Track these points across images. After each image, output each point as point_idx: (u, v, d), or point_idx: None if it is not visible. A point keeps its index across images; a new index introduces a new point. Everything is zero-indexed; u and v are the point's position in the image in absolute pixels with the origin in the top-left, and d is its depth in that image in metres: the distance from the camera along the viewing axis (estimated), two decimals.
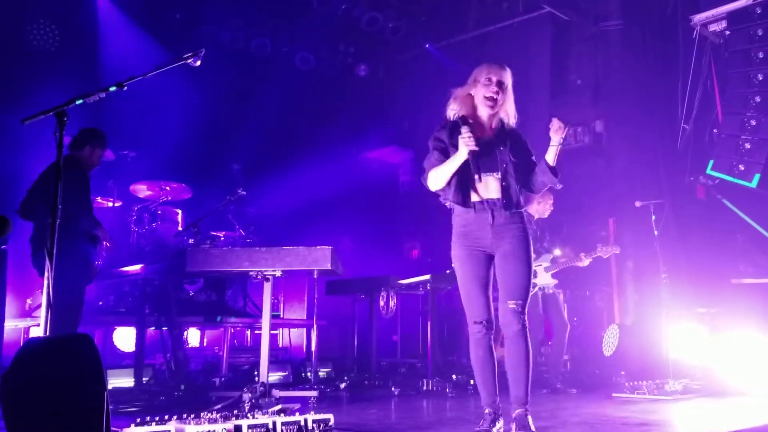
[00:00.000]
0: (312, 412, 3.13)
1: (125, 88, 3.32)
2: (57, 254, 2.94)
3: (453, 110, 3.54)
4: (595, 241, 7.50)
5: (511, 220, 3.44)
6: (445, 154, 3.43)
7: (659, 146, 7.54)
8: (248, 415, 3.05)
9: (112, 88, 3.25)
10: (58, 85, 6.17)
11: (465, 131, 3.30)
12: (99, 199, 7.09)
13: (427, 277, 6.38)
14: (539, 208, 6.29)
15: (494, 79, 3.45)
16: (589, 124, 8.40)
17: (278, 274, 4.85)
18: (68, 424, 2.15)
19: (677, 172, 7.37)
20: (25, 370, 2.26)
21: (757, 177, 6.33)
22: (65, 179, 3.15)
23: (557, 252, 6.32)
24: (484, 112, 3.50)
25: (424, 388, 6.01)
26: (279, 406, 3.42)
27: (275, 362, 6.76)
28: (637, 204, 6.30)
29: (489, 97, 3.46)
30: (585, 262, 6.14)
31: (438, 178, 3.41)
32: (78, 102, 3.19)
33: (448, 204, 3.53)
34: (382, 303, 6.85)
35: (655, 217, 6.18)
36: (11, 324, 6.15)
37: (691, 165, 7.19)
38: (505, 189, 3.44)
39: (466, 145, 3.27)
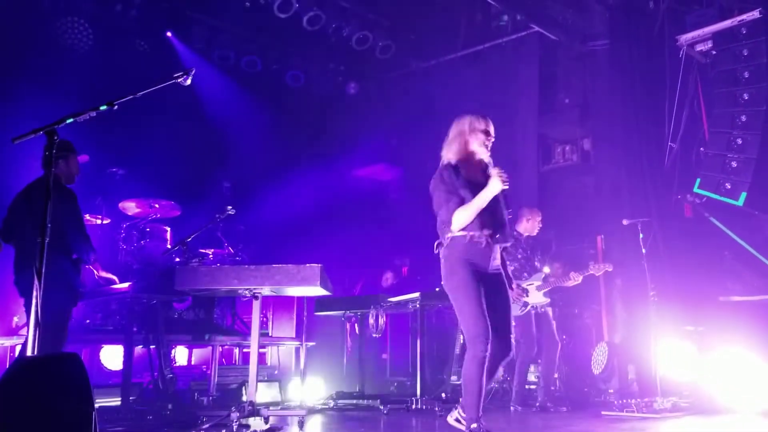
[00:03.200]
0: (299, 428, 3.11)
1: (116, 107, 3.33)
2: (44, 274, 2.92)
3: (452, 153, 4.01)
4: (583, 258, 7.55)
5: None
6: (458, 194, 3.82)
7: (647, 164, 7.60)
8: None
9: (103, 107, 3.26)
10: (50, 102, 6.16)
11: (497, 171, 3.82)
12: (87, 217, 7.05)
13: (416, 294, 6.37)
14: (528, 225, 6.33)
15: (491, 131, 4.07)
16: (577, 142, 8.48)
17: (267, 292, 4.84)
18: None
19: (665, 190, 7.43)
20: (13, 389, 2.24)
21: (743, 195, 6.40)
22: (55, 201, 3.14)
23: (547, 270, 6.35)
24: (484, 156, 4.02)
25: (414, 406, 5.98)
26: (267, 426, 3.39)
27: (264, 381, 6.72)
28: (625, 222, 6.34)
29: (487, 146, 4.04)
30: (577, 280, 6.17)
31: (470, 215, 3.77)
32: (69, 121, 3.19)
33: (453, 234, 3.81)
34: (371, 321, 6.83)
35: (643, 236, 6.21)
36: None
37: (679, 183, 7.26)
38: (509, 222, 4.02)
39: (502, 182, 3.79)
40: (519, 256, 6.24)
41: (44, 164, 4.77)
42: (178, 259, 6.65)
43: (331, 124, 10.12)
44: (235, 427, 3.21)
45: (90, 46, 8.11)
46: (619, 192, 7.81)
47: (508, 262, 5.74)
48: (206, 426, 3.28)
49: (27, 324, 4.53)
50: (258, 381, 4.83)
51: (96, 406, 3.36)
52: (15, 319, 6.43)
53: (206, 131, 8.71)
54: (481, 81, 9.02)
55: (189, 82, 3.45)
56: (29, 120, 3.72)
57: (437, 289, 6.39)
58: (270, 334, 7.70)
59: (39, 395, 2.18)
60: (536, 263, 6.29)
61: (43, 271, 2.96)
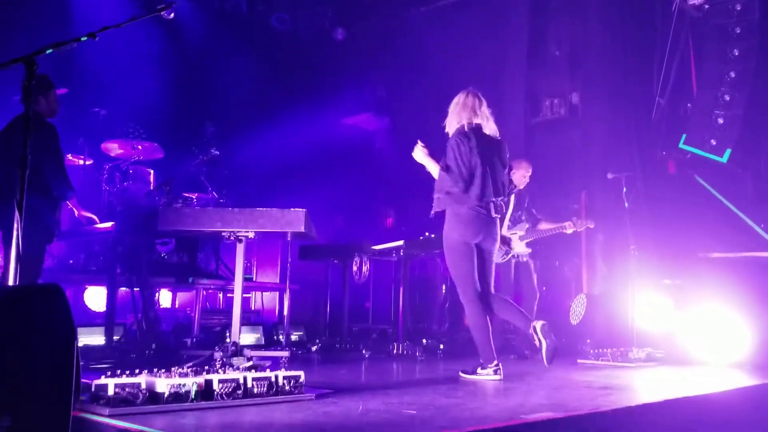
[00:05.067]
0: (283, 369, 3.16)
1: (97, 38, 3.24)
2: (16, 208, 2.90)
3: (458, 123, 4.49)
4: (567, 213, 7.59)
5: None
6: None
7: (633, 119, 7.60)
8: (219, 370, 3.07)
9: (84, 38, 3.17)
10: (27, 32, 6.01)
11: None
12: (70, 157, 6.98)
13: (400, 243, 6.40)
14: (513, 177, 6.35)
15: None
16: (566, 95, 8.43)
17: (251, 235, 4.84)
18: (38, 372, 2.14)
19: (650, 146, 7.46)
20: None
21: (728, 152, 6.44)
22: (35, 136, 3.09)
23: (543, 226, 6.38)
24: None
25: (395, 351, 6.08)
26: (250, 363, 3.44)
27: (247, 324, 6.78)
28: (609, 176, 6.37)
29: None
30: (570, 230, 6.23)
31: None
32: (48, 51, 3.10)
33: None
34: (355, 268, 6.87)
35: (626, 190, 6.25)
36: None
37: (665, 139, 7.28)
38: None
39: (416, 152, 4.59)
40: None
41: (23, 98, 4.66)
42: (162, 202, 6.61)
43: (317, 70, 9.98)
44: (218, 365, 3.24)
45: None
46: (605, 147, 7.82)
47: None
48: (190, 364, 3.31)
49: (4, 256, 4.52)
50: (242, 324, 4.87)
51: (79, 344, 3.37)
52: None
53: (189, 73, 8.56)
54: (471, 30, 8.90)
55: (172, 16, 3.37)
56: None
57: (421, 238, 6.44)
58: (254, 280, 7.73)
59: (20, 324, 2.18)
60: (520, 214, 6.33)
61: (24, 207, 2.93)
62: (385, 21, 9.99)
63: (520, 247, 6.20)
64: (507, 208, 6.24)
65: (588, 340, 6.76)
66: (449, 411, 3.06)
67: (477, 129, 4.44)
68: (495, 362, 4.28)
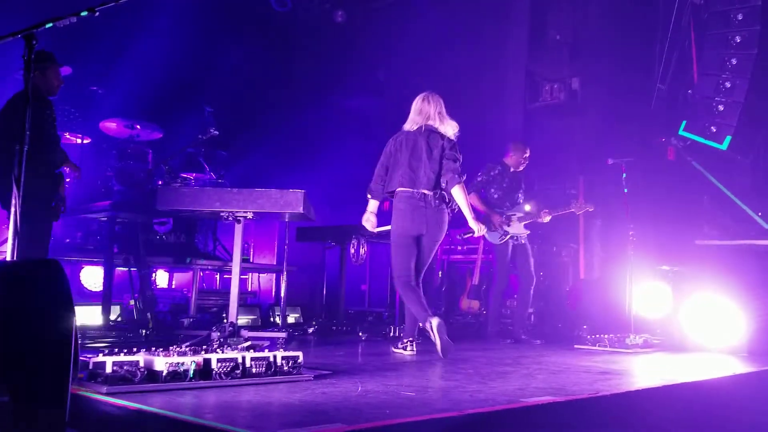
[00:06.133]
0: (281, 350, 3.15)
1: (97, 13, 3.20)
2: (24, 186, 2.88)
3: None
4: (564, 198, 7.59)
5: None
6: None
7: (634, 105, 7.57)
8: (217, 350, 3.06)
9: (84, 13, 3.13)
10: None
11: None
12: (68, 135, 6.93)
13: None
14: (511, 160, 6.36)
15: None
16: (566, 80, 8.40)
17: (250, 216, 4.82)
18: (36, 349, 2.12)
19: (649, 132, 7.44)
20: None
21: (728, 139, 6.43)
22: (34, 111, 3.06)
23: (527, 207, 6.40)
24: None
25: (391, 334, 6.08)
26: (248, 343, 3.43)
27: (244, 305, 6.78)
28: (609, 161, 6.36)
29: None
30: (546, 219, 6.25)
31: None
32: (48, 25, 3.07)
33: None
34: (352, 251, 6.86)
35: (626, 175, 6.24)
36: None
37: (664, 125, 7.26)
38: None
39: None
40: (504, 185, 6.29)
41: (25, 73, 4.61)
42: (160, 182, 6.58)
43: (316, 53, 9.91)
44: (215, 345, 3.23)
45: None
46: (604, 132, 7.81)
47: (492, 190, 6.02)
48: (187, 344, 3.30)
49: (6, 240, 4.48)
50: (239, 305, 4.87)
51: (77, 324, 3.36)
52: None
53: (189, 54, 8.48)
54: (471, 14, 8.83)
55: None
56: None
57: None
58: (251, 261, 7.72)
59: (18, 300, 2.16)
60: (518, 196, 6.33)
61: (22, 181, 2.91)
62: (385, 3, 9.91)
63: (518, 228, 6.21)
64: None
65: (585, 326, 6.77)
66: (448, 393, 3.06)
67: (427, 129, 4.84)
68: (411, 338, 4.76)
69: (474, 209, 6.58)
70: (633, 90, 7.63)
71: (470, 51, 8.57)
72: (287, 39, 9.49)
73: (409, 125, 4.89)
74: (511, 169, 6.36)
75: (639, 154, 7.34)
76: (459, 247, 8.36)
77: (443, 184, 4.73)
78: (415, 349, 4.69)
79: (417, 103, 4.91)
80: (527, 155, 6.37)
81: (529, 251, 6.27)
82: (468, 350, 5.20)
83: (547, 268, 7.85)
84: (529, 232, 6.28)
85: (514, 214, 6.21)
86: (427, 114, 4.82)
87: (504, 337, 6.26)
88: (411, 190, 4.71)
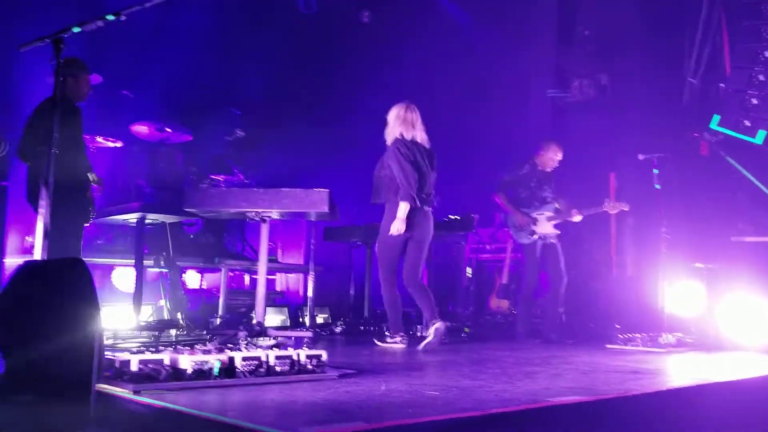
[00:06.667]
0: (305, 348, 3.15)
1: (123, 17, 3.25)
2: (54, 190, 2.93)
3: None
4: (594, 196, 7.47)
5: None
6: None
7: (665, 100, 7.44)
8: (243, 348, 3.07)
9: (110, 17, 3.18)
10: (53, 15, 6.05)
11: None
12: (100, 139, 7.03)
13: None
14: (541, 159, 6.29)
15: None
16: (595, 76, 8.28)
17: (275, 215, 4.84)
18: (61, 347, 2.15)
19: (681, 127, 7.29)
20: (19, 292, 2.26)
21: (762, 133, 6.27)
22: (63, 117, 3.12)
23: (557, 206, 6.32)
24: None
25: (418, 334, 6.06)
26: (273, 342, 3.44)
27: (273, 306, 6.81)
28: (640, 157, 6.24)
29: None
30: (576, 218, 6.16)
31: None
32: (75, 30, 3.11)
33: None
34: None
35: (658, 171, 6.13)
36: (11, 261, 6.17)
37: (696, 120, 7.11)
38: None
39: None
40: (532, 185, 6.22)
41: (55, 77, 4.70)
42: (189, 183, 6.65)
43: (343, 53, 9.91)
44: (243, 345, 3.24)
45: None
46: (634, 128, 7.67)
47: (520, 189, 5.98)
48: (215, 342, 3.32)
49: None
50: (266, 305, 4.90)
51: (106, 325, 3.40)
52: (28, 239, 6.50)
53: (216, 57, 8.57)
54: (499, 10, 8.76)
55: None
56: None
57: (445, 220, 6.39)
58: (279, 261, 7.76)
59: (45, 297, 2.19)
60: (547, 195, 6.25)
61: (52, 185, 2.96)
62: (411, 2, 9.88)
63: (547, 228, 6.13)
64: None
65: (617, 325, 6.67)
66: (473, 393, 3.02)
67: (413, 140, 5.18)
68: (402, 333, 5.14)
69: (500, 208, 6.55)
70: (664, 84, 7.49)
71: (497, 48, 8.50)
72: (313, 40, 9.52)
73: (409, 134, 5.18)
74: (540, 168, 6.29)
75: (671, 150, 7.20)
76: (487, 246, 8.31)
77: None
78: (406, 342, 5.11)
79: (401, 111, 5.25)
80: (559, 157, 6.28)
81: (559, 250, 6.19)
82: (496, 350, 5.16)
83: (578, 267, 7.74)
84: (558, 232, 6.19)
85: (542, 214, 6.14)
86: (412, 123, 5.20)
87: (534, 337, 6.19)
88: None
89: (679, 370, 4.28)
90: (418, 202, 5.03)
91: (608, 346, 5.59)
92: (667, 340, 5.53)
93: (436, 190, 5.40)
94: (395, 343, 5.09)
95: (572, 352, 5.15)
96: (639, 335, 5.61)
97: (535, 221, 6.12)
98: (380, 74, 9.89)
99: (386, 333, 5.26)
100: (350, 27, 10.08)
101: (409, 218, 5.02)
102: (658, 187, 6.11)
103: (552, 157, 6.28)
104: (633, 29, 7.86)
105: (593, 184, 8.09)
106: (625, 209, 6.27)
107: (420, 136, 5.23)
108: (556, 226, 6.16)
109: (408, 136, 5.15)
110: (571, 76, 8.51)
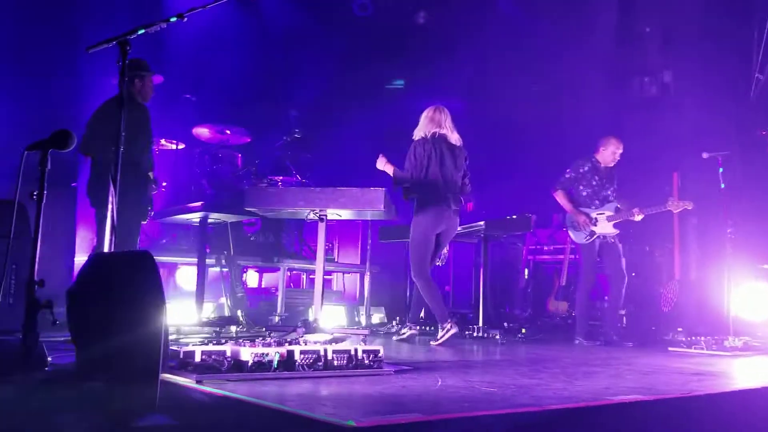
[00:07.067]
0: (362, 344, 3.18)
1: (185, 19, 3.35)
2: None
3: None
4: (656, 195, 7.28)
5: None
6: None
7: (731, 97, 7.20)
8: (301, 342, 3.13)
9: (173, 19, 3.29)
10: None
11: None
12: (163, 141, 7.27)
13: (481, 224, 6.31)
14: (602, 156, 6.19)
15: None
16: (657, 74, 8.08)
17: (332, 215, 4.90)
18: (129, 335, 2.24)
19: (748, 124, 7.05)
20: (89, 283, 2.36)
21: None
22: (130, 115, 3.23)
23: (618, 205, 6.19)
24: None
25: (475, 334, 6.03)
26: (331, 337, 3.49)
27: (330, 305, 6.88)
28: (705, 155, 6.06)
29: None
30: (638, 217, 6.02)
31: None
32: (141, 32, 3.23)
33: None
34: None
35: (723, 170, 5.94)
36: (82, 258, 6.41)
37: (764, 117, 6.87)
38: None
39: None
40: (593, 183, 6.11)
41: (120, 83, 4.87)
42: (249, 184, 6.80)
43: (399, 54, 9.95)
44: (301, 341, 3.30)
45: None
46: (699, 126, 7.45)
47: (581, 187, 5.89)
48: (273, 338, 3.39)
49: (97, 237, 4.73)
50: (323, 304, 4.96)
51: (171, 322, 3.50)
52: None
53: (274, 59, 8.73)
54: (557, 6, 8.64)
55: None
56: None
57: (507, 218, 6.34)
58: (336, 261, 7.84)
59: (114, 289, 2.29)
60: (608, 194, 6.13)
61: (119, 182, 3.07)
62: (467, 2, 9.84)
63: (607, 228, 6.01)
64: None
65: (679, 329, 6.49)
66: (531, 390, 2.99)
67: (441, 138, 5.40)
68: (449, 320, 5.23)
69: (559, 208, 6.45)
70: (730, 80, 7.26)
71: (553, 46, 8.38)
72: (369, 42, 9.58)
73: (434, 131, 5.42)
74: (602, 166, 6.17)
75: (737, 148, 6.97)
76: (545, 247, 8.20)
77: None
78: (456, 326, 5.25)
79: (429, 112, 5.49)
80: (620, 151, 6.15)
81: (619, 250, 6.06)
82: (554, 351, 5.09)
83: (640, 268, 7.57)
84: (618, 231, 6.06)
85: (602, 213, 6.02)
86: (439, 122, 5.43)
87: (593, 338, 6.07)
88: None
89: (746, 374, 4.14)
90: (446, 202, 5.32)
91: (671, 349, 5.45)
92: (733, 343, 5.35)
93: (475, 188, 5.61)
94: (447, 331, 5.17)
95: (632, 354, 5.04)
96: (703, 338, 5.45)
97: (594, 221, 6.01)
98: (435, 74, 9.88)
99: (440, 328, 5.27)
100: (405, 28, 10.11)
101: (439, 216, 5.30)
102: (723, 186, 5.92)
103: (613, 151, 6.16)
104: (697, 24, 7.63)
105: (656, 184, 7.88)
106: (689, 208, 6.08)
107: (450, 135, 5.44)
108: (616, 226, 6.03)
109: (433, 133, 5.39)
110: (631, 74, 8.33)
